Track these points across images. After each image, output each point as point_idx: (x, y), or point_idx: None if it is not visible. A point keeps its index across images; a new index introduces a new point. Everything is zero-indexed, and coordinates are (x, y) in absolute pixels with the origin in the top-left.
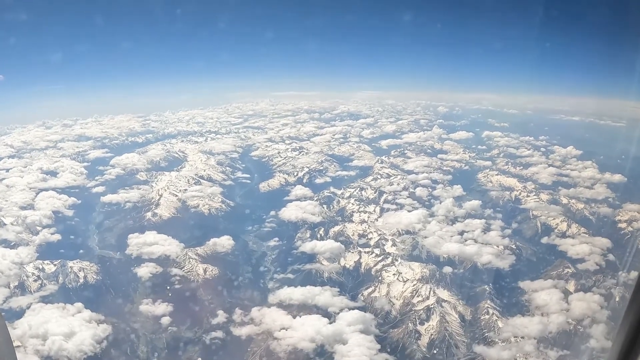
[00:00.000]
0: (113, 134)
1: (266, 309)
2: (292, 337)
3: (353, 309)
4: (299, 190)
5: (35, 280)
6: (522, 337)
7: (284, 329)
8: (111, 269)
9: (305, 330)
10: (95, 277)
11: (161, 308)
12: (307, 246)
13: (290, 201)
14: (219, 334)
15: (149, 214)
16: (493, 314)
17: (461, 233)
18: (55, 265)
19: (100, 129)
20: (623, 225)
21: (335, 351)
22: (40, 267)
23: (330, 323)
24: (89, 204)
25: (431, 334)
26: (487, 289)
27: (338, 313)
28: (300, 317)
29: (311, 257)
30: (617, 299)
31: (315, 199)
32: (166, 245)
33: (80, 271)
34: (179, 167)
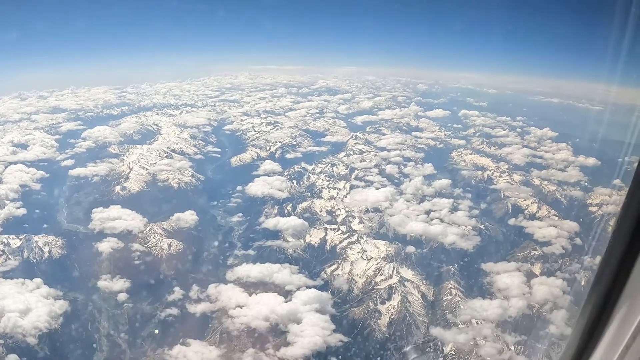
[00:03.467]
0: (88, 106)
1: (223, 285)
2: (246, 316)
3: (311, 287)
4: (267, 165)
5: None
6: (483, 321)
7: (239, 306)
8: (76, 244)
9: (260, 308)
10: (60, 251)
11: (119, 284)
12: (271, 222)
13: (258, 176)
14: (173, 310)
15: (117, 188)
16: (456, 294)
17: (428, 212)
18: (20, 239)
19: (76, 101)
20: (594, 209)
21: (289, 330)
22: (6, 241)
23: (286, 302)
24: (57, 177)
25: (392, 314)
26: (452, 269)
27: (294, 291)
28: (256, 294)
29: (274, 234)
30: (582, 284)
31: (285, 174)
32: (129, 220)
33: (45, 245)
34: (151, 140)
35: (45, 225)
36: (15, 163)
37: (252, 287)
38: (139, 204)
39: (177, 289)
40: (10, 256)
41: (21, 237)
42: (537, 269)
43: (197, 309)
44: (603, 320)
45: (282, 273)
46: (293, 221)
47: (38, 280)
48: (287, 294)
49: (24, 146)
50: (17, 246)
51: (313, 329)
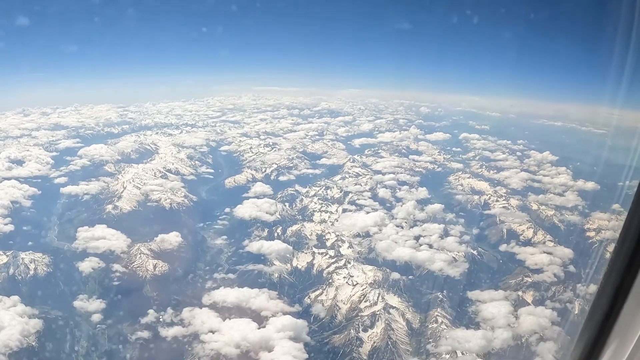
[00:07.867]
0: (89, 124)
1: (198, 309)
2: (217, 342)
3: (288, 313)
4: (258, 187)
5: None
6: (466, 352)
7: (211, 332)
8: (60, 262)
9: (232, 334)
10: (45, 269)
11: (95, 304)
12: (254, 246)
13: (248, 198)
14: (144, 334)
15: (110, 207)
16: (442, 322)
17: (417, 238)
18: (7, 256)
19: (78, 119)
20: (591, 234)
21: (259, 358)
22: None
23: (259, 328)
24: (49, 195)
25: (374, 342)
26: (440, 296)
27: (269, 317)
28: (230, 320)
29: (258, 257)
30: (575, 313)
31: (278, 196)
32: (113, 240)
33: (31, 263)
34: (148, 160)
35: (30, 243)
36: (9, 179)
37: (228, 312)
38: (130, 224)
39: (151, 311)
40: None
41: (8, 253)
42: (528, 297)
43: (169, 332)
44: (599, 345)
45: (259, 298)
46: (277, 245)
47: (15, 297)
48: (262, 320)
49: (20, 162)
50: (4, 262)
51: (284, 357)
